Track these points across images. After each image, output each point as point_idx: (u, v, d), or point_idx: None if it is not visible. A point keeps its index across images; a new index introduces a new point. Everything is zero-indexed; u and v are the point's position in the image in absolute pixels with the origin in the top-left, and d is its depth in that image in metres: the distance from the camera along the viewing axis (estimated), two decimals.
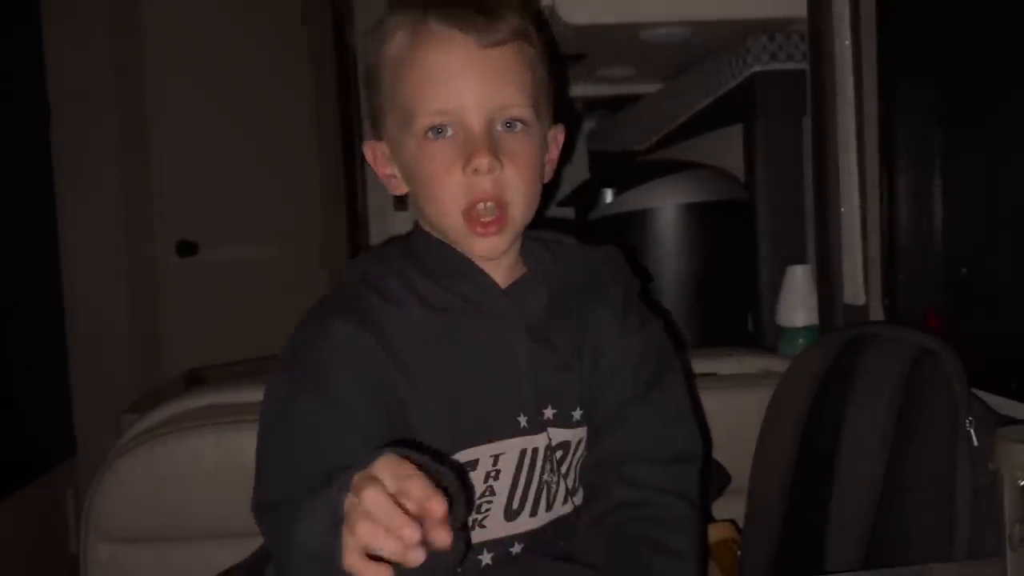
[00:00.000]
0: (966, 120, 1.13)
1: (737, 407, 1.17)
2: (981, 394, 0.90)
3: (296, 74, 3.27)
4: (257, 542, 0.94)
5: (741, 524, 1.10)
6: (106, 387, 2.84)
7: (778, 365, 1.21)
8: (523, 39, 0.80)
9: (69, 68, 2.82)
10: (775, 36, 1.37)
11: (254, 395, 1.09)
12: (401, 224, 3.08)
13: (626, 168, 1.68)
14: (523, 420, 0.79)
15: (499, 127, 0.78)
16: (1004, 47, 1.03)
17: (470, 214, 0.78)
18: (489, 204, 0.77)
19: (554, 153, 0.86)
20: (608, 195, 1.47)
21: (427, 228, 0.84)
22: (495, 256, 0.81)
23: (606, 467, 0.82)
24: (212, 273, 3.09)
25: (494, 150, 0.76)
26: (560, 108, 0.87)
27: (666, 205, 1.35)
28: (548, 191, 0.87)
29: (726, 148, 1.53)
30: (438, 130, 0.77)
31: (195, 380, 1.82)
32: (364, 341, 0.76)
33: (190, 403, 1.13)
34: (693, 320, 1.36)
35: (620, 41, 1.47)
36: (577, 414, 0.82)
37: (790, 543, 0.98)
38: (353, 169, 3.43)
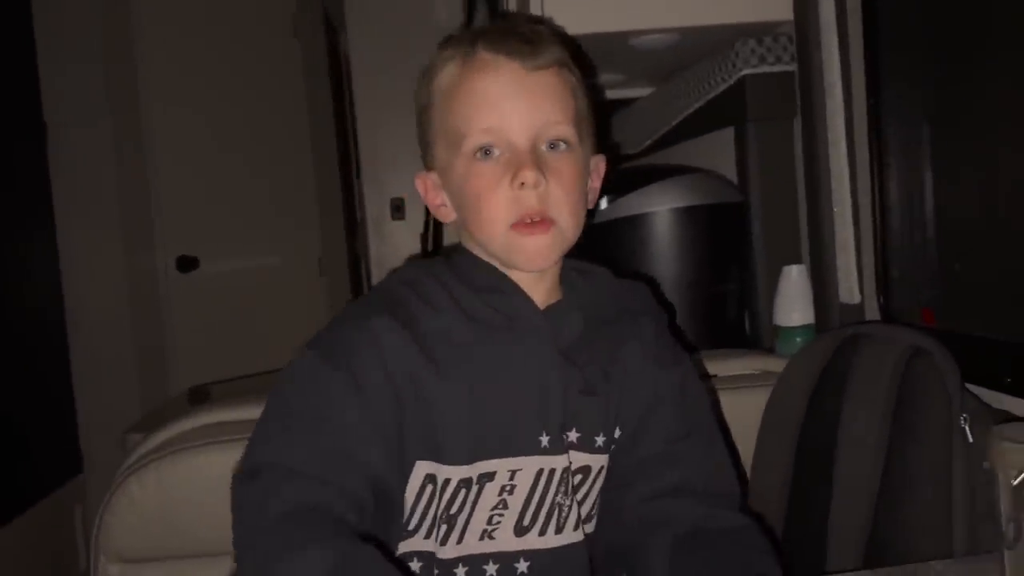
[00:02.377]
0: (955, 117, 1.14)
1: (737, 408, 1.17)
2: (976, 389, 0.92)
3: (290, 87, 3.28)
4: None
5: None
6: (111, 404, 2.85)
7: (776, 365, 1.22)
8: (564, 67, 0.84)
9: (64, 87, 2.83)
10: (763, 39, 1.38)
11: (258, 412, 1.12)
12: (398, 233, 3.10)
13: (620, 173, 1.70)
14: (545, 440, 0.81)
15: (544, 146, 0.81)
16: (991, 44, 1.04)
17: (518, 226, 0.80)
18: (536, 218, 0.80)
19: (596, 182, 0.90)
20: (603, 201, 1.48)
21: (473, 249, 0.86)
22: (540, 264, 0.82)
23: (663, 497, 0.83)
24: (213, 287, 3.10)
25: (540, 166, 0.80)
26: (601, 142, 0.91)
27: (661, 210, 1.37)
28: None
29: (718, 151, 1.54)
30: (486, 151, 0.81)
31: (198, 397, 1.84)
32: (399, 338, 0.78)
33: (196, 421, 1.14)
34: (691, 322, 1.37)
35: (610, 49, 1.48)
36: (600, 440, 0.84)
37: (791, 542, 0.99)
38: (349, 179, 3.45)
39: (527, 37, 0.82)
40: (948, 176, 1.15)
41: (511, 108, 0.80)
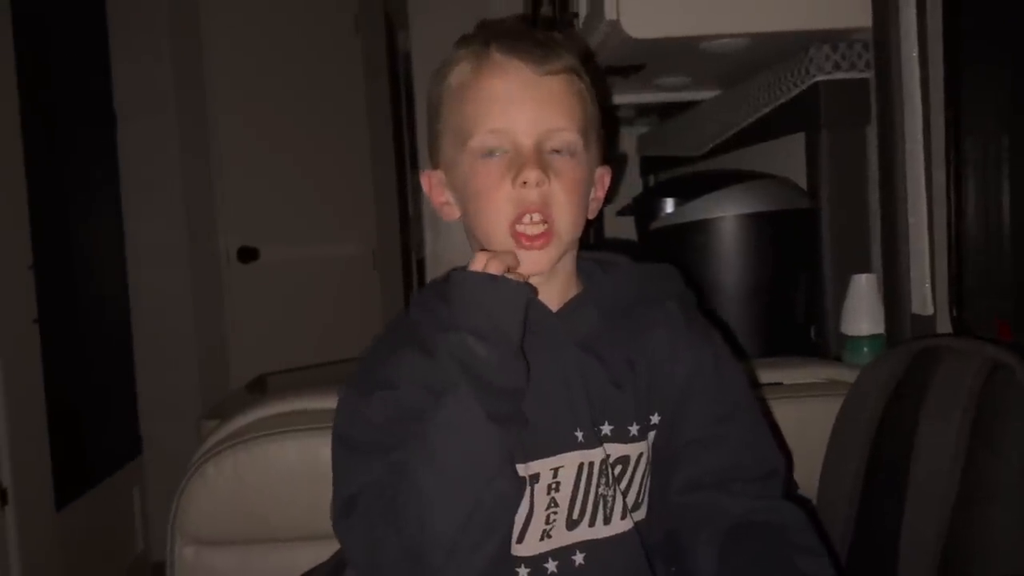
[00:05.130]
0: None
1: (803, 416, 1.17)
2: None
3: (350, 82, 3.33)
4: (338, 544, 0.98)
5: None
6: (171, 389, 2.93)
7: (843, 374, 1.22)
8: (575, 74, 0.85)
9: (133, 80, 2.92)
10: (838, 46, 1.37)
11: (332, 402, 1.14)
12: (455, 228, 3.14)
13: (687, 178, 1.70)
14: (580, 435, 0.82)
15: (548, 149, 0.82)
16: None
17: (517, 226, 0.81)
18: (535, 216, 0.81)
19: (600, 193, 0.90)
20: (669, 205, 1.49)
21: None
22: (540, 271, 0.83)
23: (709, 488, 0.84)
24: (272, 277, 3.17)
25: (543, 166, 0.81)
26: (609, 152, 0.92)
27: (729, 215, 1.36)
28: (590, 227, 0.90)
29: (785, 156, 1.53)
30: (491, 150, 0.82)
31: (262, 386, 1.88)
32: (427, 368, 0.80)
33: (270, 409, 1.17)
34: (757, 329, 1.37)
35: (679, 52, 1.48)
36: (634, 429, 0.85)
37: (861, 553, 0.99)
38: (404, 175, 3.49)
39: (540, 41, 0.83)
40: None
41: (519, 110, 0.81)
